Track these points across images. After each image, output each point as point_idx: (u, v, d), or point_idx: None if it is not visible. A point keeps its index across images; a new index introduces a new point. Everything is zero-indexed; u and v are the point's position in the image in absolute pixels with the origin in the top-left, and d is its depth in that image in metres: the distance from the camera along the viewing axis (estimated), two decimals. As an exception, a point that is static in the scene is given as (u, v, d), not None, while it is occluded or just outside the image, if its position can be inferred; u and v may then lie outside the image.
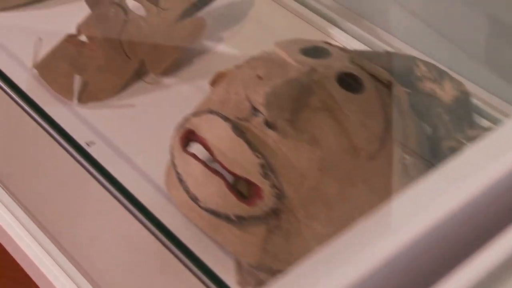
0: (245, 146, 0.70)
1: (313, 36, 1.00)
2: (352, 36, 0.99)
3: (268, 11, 1.05)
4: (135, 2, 0.94)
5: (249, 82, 0.74)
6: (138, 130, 0.89)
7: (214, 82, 0.85)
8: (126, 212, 0.70)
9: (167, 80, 0.94)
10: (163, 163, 0.81)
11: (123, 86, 0.92)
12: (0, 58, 0.94)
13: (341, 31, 1.00)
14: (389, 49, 0.95)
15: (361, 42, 0.99)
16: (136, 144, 0.87)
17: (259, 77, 0.74)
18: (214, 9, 1.00)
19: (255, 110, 0.72)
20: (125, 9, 0.93)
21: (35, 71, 0.93)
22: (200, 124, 0.74)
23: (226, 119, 0.72)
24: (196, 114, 0.75)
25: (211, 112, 0.73)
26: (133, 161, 0.85)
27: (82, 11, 0.95)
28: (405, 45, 0.96)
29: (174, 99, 0.92)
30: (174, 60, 0.94)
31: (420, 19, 0.94)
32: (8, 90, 0.79)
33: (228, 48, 0.99)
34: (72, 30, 0.94)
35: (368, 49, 0.96)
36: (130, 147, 0.86)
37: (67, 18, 1.01)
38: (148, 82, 0.94)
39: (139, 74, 0.93)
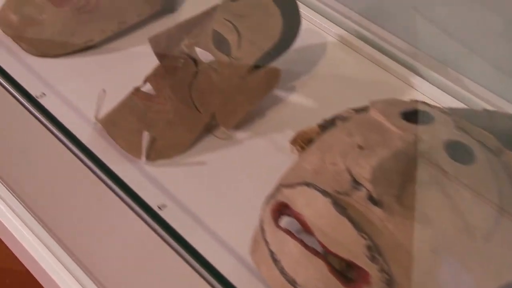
0: (348, 225, 0.64)
1: (391, 84, 0.94)
2: (434, 85, 0.93)
3: (342, 57, 0.99)
4: (206, 52, 0.88)
5: (348, 152, 0.68)
6: (212, 191, 0.83)
7: (295, 142, 0.79)
8: (202, 280, 0.65)
9: (240, 135, 0.88)
10: (244, 230, 0.75)
11: (193, 142, 0.87)
12: (60, 110, 0.88)
13: (422, 79, 0.94)
14: (479, 101, 0.89)
15: (444, 91, 0.93)
16: (211, 206, 0.81)
17: (360, 147, 0.67)
18: (285, 56, 0.94)
19: (356, 183, 0.66)
20: (195, 60, 0.87)
21: (98, 125, 0.87)
22: (295, 197, 0.68)
23: (325, 193, 0.66)
24: (289, 185, 0.69)
25: (307, 184, 0.67)
26: (209, 227, 0.79)
27: (144, 56, 0.89)
28: (493, 95, 0.90)
29: (248, 155, 0.86)
30: (247, 113, 0.88)
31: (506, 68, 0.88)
32: (71, 145, 0.74)
33: (302, 98, 0.93)
34: (135, 77, 0.88)
35: (460, 103, 0.90)
36: (205, 210, 0.80)
37: (127, 65, 0.96)
38: (219, 137, 0.88)
39: (209, 128, 0.88)
